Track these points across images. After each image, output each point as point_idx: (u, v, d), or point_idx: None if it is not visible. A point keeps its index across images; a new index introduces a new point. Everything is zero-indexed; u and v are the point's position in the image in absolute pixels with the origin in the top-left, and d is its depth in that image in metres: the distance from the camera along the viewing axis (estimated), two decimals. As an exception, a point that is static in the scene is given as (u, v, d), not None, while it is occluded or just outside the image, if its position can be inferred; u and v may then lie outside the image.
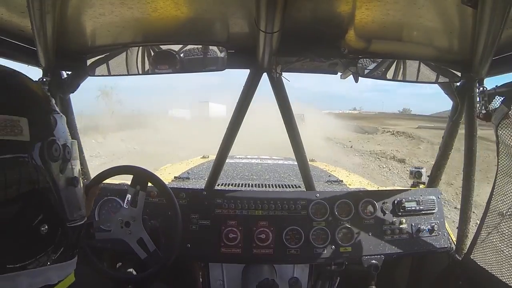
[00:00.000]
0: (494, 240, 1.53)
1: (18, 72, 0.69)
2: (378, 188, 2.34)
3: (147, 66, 1.59)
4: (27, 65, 1.54)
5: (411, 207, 1.87)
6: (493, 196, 1.53)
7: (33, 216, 0.62)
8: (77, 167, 0.75)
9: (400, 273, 2.10)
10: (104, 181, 1.54)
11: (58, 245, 0.68)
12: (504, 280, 1.43)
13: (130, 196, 1.53)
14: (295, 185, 2.25)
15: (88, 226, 1.50)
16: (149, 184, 1.62)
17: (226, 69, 1.59)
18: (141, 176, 1.55)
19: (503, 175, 1.48)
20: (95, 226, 1.53)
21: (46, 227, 0.63)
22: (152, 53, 1.58)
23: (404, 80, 1.68)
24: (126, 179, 1.71)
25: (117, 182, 1.87)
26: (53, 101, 0.73)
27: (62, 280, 0.68)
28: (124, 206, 1.52)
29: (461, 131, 1.77)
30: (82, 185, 0.77)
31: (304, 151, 1.87)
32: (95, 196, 1.36)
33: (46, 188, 0.64)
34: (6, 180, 0.57)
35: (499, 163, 1.48)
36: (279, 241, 1.78)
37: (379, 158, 14.22)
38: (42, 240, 0.64)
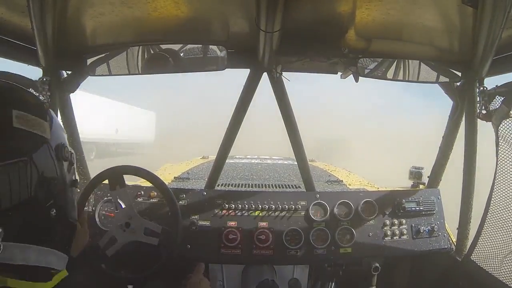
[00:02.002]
0: (494, 240, 1.52)
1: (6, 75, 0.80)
2: (378, 188, 2.34)
3: (147, 66, 1.59)
4: (27, 65, 1.54)
5: (411, 207, 1.87)
6: (493, 197, 1.53)
7: (46, 198, 0.70)
8: (76, 172, 0.85)
9: (400, 274, 2.09)
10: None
11: (62, 234, 0.76)
12: (504, 281, 1.43)
13: (116, 199, 1.56)
14: (295, 185, 2.25)
15: (95, 249, 1.48)
16: (150, 184, 1.62)
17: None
18: (114, 175, 1.55)
19: (503, 175, 1.47)
20: (101, 245, 1.50)
21: (54, 211, 0.71)
22: (152, 53, 1.58)
23: (404, 80, 1.67)
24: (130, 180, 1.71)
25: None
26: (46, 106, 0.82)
27: (58, 273, 0.72)
28: (116, 211, 1.55)
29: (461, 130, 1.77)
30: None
31: (304, 151, 1.86)
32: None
33: (58, 181, 0.74)
34: (31, 165, 0.67)
35: (498, 163, 1.48)
36: (279, 242, 1.77)
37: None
38: (51, 222, 0.71)
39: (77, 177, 0.84)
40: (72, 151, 0.81)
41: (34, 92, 1.52)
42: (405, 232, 1.84)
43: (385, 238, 1.82)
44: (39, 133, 0.70)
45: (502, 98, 1.43)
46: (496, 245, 1.51)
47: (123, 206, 1.57)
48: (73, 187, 0.80)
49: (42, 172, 0.69)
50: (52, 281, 0.69)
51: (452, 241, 1.89)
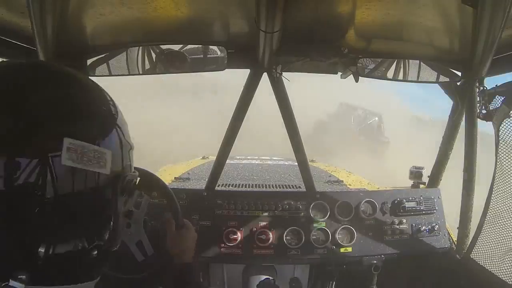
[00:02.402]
0: (494, 239, 1.53)
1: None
2: (378, 188, 2.34)
3: (147, 66, 1.59)
4: None
5: (411, 207, 1.87)
6: (492, 196, 1.54)
7: (91, 241, 0.61)
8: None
9: (401, 273, 2.10)
10: None
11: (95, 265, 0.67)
12: (504, 279, 1.43)
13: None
14: (295, 186, 2.25)
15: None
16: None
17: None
18: (148, 179, 1.54)
19: (502, 174, 1.48)
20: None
21: (96, 252, 0.62)
22: (152, 53, 1.58)
23: (404, 80, 1.68)
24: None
25: None
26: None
27: None
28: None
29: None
30: None
31: (304, 151, 1.86)
32: None
33: (109, 218, 0.64)
34: (78, 207, 0.57)
35: (498, 163, 1.48)
36: (280, 241, 1.78)
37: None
38: (90, 263, 0.63)
39: (133, 207, 0.75)
40: (134, 172, 0.69)
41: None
42: (405, 231, 1.85)
43: (386, 238, 1.83)
44: (96, 170, 0.57)
45: (502, 98, 1.43)
46: (496, 243, 1.52)
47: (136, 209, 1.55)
48: (126, 218, 0.71)
49: (88, 215, 0.58)
50: None
51: (453, 240, 1.89)
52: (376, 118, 10.87)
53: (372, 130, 10.65)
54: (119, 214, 0.65)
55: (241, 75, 1.71)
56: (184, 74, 1.76)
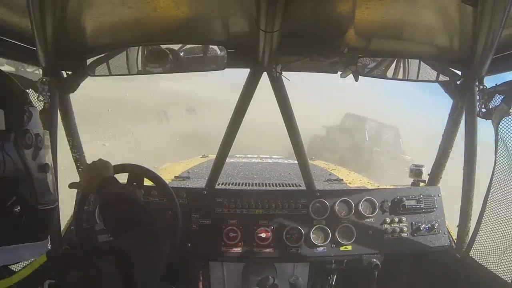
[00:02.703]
0: (492, 237, 1.54)
1: None
2: (378, 186, 2.34)
3: (147, 66, 1.59)
4: (26, 65, 1.54)
5: (411, 205, 1.88)
6: (491, 194, 1.54)
7: (7, 198, 0.68)
8: (48, 155, 0.81)
9: (401, 271, 2.11)
10: None
11: (30, 225, 0.74)
12: (502, 277, 1.44)
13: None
14: (295, 184, 2.25)
15: (90, 231, 1.50)
16: (150, 183, 1.62)
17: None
18: (137, 173, 1.55)
19: (501, 173, 1.48)
20: (97, 229, 1.51)
21: (19, 208, 0.69)
22: (152, 53, 1.58)
23: (404, 79, 1.68)
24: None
25: None
26: (28, 95, 0.80)
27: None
28: None
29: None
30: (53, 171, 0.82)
31: (304, 150, 1.87)
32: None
33: (20, 173, 0.71)
34: None
35: (497, 161, 1.49)
36: (280, 240, 1.78)
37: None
38: (15, 219, 0.70)
39: (49, 159, 0.80)
40: (40, 133, 0.76)
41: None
42: (405, 229, 1.85)
43: (385, 236, 1.84)
44: None
45: (502, 97, 1.44)
46: (494, 241, 1.53)
47: None
48: (42, 172, 0.76)
49: None
50: (18, 274, 0.68)
51: (452, 238, 1.90)
52: (393, 133, 9.01)
53: (390, 147, 8.61)
54: (28, 166, 0.72)
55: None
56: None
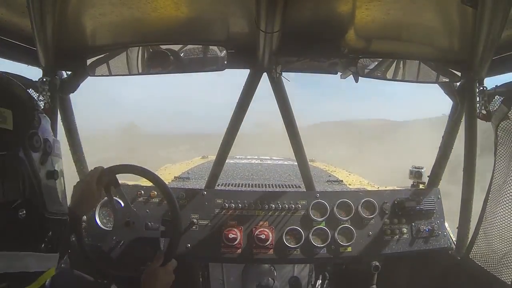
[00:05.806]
0: (492, 239, 1.53)
1: (6, 74, 0.76)
2: (378, 188, 2.34)
3: (147, 66, 1.59)
4: (27, 65, 1.54)
5: (411, 207, 1.87)
6: (490, 196, 1.54)
7: (12, 199, 0.65)
8: (59, 163, 0.78)
9: (401, 273, 2.10)
10: None
11: (36, 233, 0.71)
12: (502, 279, 1.44)
13: (111, 199, 1.50)
14: (295, 185, 2.25)
15: (98, 252, 1.45)
16: (150, 184, 1.62)
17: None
18: (107, 176, 1.52)
19: (501, 174, 1.48)
20: (105, 249, 1.46)
21: (24, 212, 0.66)
22: (152, 53, 1.58)
23: (404, 80, 1.68)
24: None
25: None
26: (38, 103, 0.80)
27: (42, 273, 0.69)
28: (115, 211, 1.51)
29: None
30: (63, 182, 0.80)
31: (304, 151, 1.86)
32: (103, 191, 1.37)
33: (25, 174, 0.68)
34: None
35: (497, 163, 1.48)
36: (279, 241, 1.78)
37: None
38: (20, 224, 0.66)
39: (59, 167, 0.77)
40: (49, 139, 0.75)
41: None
42: (405, 231, 1.85)
43: (385, 237, 1.83)
44: None
45: (502, 98, 1.44)
46: (494, 244, 1.52)
47: (122, 205, 1.57)
48: (51, 179, 0.74)
49: (2, 169, 0.63)
50: (32, 285, 0.66)
51: (452, 240, 1.90)
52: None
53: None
54: (36, 169, 0.70)
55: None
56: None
